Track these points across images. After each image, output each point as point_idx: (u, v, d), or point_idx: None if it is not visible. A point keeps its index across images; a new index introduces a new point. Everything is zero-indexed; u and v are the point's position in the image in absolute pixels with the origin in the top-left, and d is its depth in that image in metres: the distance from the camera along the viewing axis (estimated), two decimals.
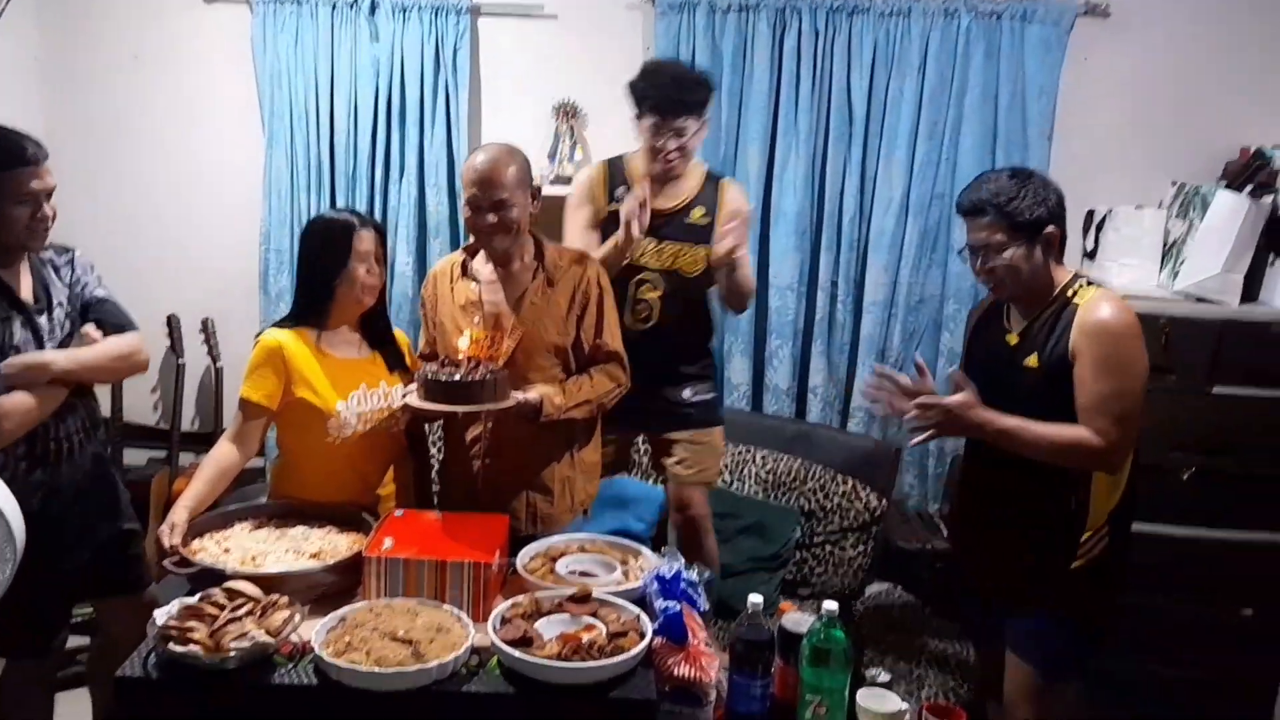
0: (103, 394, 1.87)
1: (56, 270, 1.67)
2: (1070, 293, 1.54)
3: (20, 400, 1.51)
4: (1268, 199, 2.23)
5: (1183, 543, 2.26)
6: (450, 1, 2.57)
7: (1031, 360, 1.53)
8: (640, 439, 2.21)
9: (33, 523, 1.43)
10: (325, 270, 1.65)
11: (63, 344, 1.62)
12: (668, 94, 1.91)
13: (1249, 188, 2.25)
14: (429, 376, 1.55)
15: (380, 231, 1.70)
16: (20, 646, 1.71)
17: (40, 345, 1.58)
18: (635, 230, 1.85)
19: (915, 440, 1.56)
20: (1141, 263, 2.38)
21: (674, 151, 1.93)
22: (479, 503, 1.70)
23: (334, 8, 2.59)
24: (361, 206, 2.71)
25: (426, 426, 1.89)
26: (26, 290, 1.59)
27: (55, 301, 1.63)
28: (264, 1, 2.59)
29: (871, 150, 2.50)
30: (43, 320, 1.60)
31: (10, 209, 1.51)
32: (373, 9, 2.59)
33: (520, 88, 2.70)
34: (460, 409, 1.54)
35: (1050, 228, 1.52)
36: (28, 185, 1.51)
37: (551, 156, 2.65)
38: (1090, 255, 2.47)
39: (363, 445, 1.66)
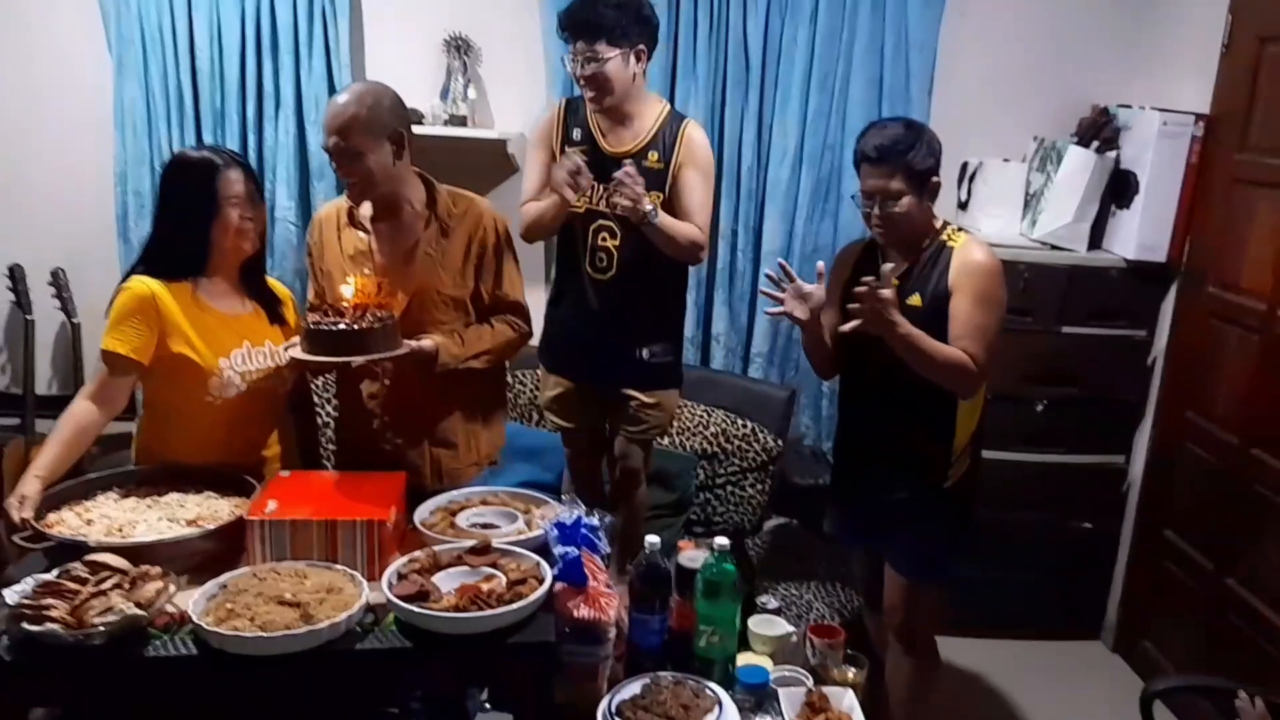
0: None
1: None
2: (944, 236, 1.66)
3: None
4: (1112, 154, 2.41)
5: (1034, 464, 2.52)
6: None
7: (915, 300, 1.64)
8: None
9: None
10: (195, 217, 1.52)
11: None
12: (574, 14, 1.77)
13: (1096, 144, 2.41)
14: (313, 327, 1.48)
15: (249, 169, 1.58)
16: None
17: None
18: (569, 196, 1.75)
19: (846, 328, 1.59)
20: (1007, 213, 2.54)
21: (587, 80, 1.77)
22: (378, 460, 1.65)
23: None
24: (233, 144, 2.49)
25: (314, 384, 1.81)
26: None
27: None
28: None
29: (768, 100, 2.51)
30: None
31: None
32: None
33: (407, 16, 2.52)
34: (350, 360, 1.48)
35: (936, 177, 1.63)
36: None
37: (444, 94, 2.52)
38: (963, 206, 2.61)
39: (245, 405, 1.58)
